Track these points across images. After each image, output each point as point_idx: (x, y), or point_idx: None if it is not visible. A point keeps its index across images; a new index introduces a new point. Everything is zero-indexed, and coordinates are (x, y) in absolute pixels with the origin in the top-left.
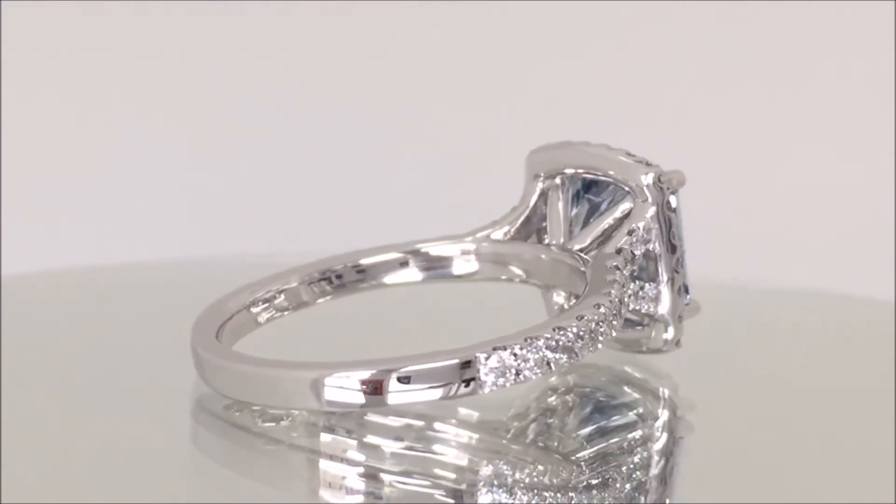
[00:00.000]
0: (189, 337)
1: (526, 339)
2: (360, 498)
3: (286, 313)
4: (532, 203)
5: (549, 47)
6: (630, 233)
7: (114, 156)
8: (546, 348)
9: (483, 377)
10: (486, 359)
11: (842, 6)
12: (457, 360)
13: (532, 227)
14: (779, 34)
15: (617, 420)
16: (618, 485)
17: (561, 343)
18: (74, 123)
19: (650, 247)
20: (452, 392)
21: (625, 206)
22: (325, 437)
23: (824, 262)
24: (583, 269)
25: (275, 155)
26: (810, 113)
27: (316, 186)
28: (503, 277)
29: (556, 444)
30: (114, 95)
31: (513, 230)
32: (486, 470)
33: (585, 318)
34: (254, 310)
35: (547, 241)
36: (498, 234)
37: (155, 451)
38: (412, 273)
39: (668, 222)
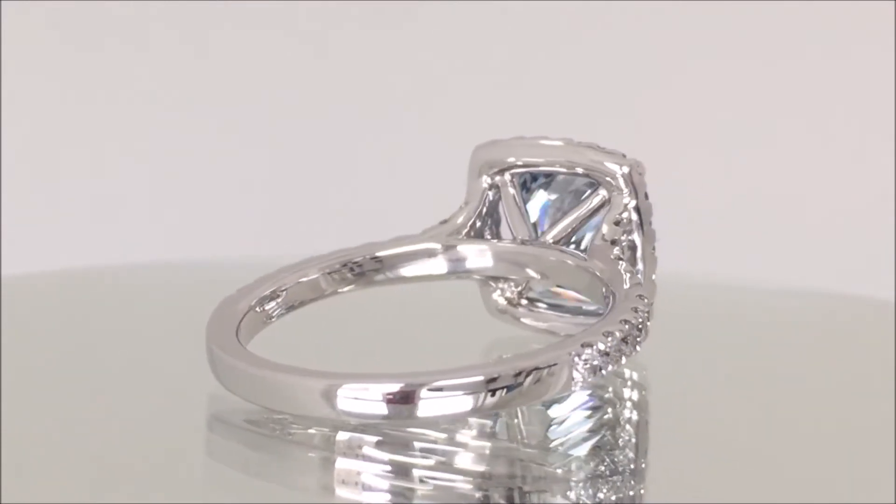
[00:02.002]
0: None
1: (604, 334)
2: (379, 495)
3: (303, 306)
4: (484, 199)
5: (527, 43)
6: (617, 223)
7: (113, 157)
8: (622, 341)
9: (576, 375)
10: (579, 357)
11: (843, 5)
12: (559, 358)
13: (485, 223)
14: (780, 32)
15: (590, 405)
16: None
17: (630, 336)
18: (74, 124)
19: (632, 236)
20: (551, 391)
21: (597, 197)
22: (342, 436)
23: (824, 262)
24: (587, 265)
25: (271, 157)
26: (811, 112)
27: (312, 189)
28: (513, 277)
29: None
30: (113, 97)
31: (468, 226)
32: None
33: (639, 309)
34: (271, 304)
35: (489, 236)
36: (453, 233)
37: (166, 454)
38: (430, 266)
39: (645, 211)
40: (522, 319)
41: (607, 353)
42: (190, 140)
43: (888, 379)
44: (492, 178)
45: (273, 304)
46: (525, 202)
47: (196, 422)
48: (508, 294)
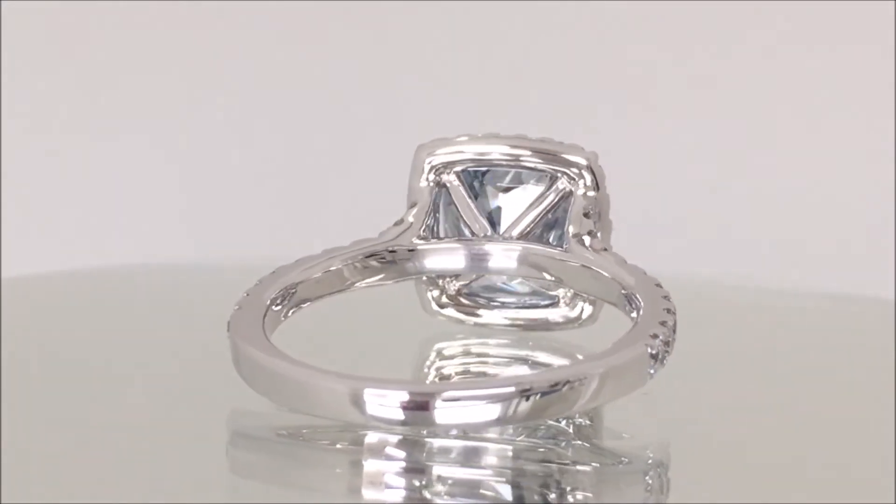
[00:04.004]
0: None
1: (661, 323)
2: (406, 495)
3: (327, 297)
4: (433, 198)
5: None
6: (587, 215)
7: (114, 157)
8: (671, 332)
9: (652, 370)
10: (652, 348)
11: (843, 5)
12: (638, 351)
13: (436, 222)
14: (778, 30)
15: None
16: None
17: (674, 325)
18: (74, 124)
19: (595, 227)
20: (633, 386)
21: (554, 190)
22: (370, 437)
23: (824, 262)
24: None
25: (268, 158)
26: (811, 111)
27: (306, 191)
28: (530, 279)
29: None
30: (113, 96)
31: (423, 227)
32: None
33: (669, 297)
34: (293, 295)
35: (440, 233)
36: (411, 234)
37: (186, 468)
38: (455, 261)
39: (604, 202)
40: (460, 316)
41: (667, 343)
42: (189, 141)
43: (888, 379)
44: (438, 177)
45: (295, 295)
46: (480, 198)
47: (215, 432)
48: (449, 291)
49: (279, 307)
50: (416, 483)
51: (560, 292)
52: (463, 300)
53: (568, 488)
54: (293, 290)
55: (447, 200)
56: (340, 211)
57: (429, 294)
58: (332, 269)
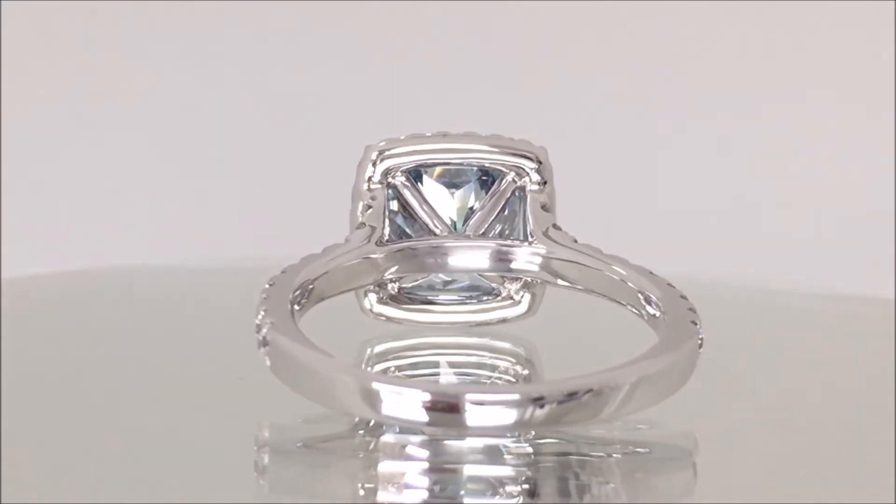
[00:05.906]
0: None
1: (690, 310)
2: (421, 495)
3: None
4: (387, 199)
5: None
6: (545, 208)
7: (111, 158)
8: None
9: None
10: (698, 335)
11: (842, 5)
12: (690, 340)
13: (394, 223)
14: (778, 30)
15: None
16: None
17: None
18: (74, 125)
19: None
20: (689, 373)
21: (504, 185)
22: (388, 438)
23: (824, 262)
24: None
25: (268, 158)
26: (811, 110)
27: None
28: (548, 283)
29: None
30: (113, 97)
31: (387, 230)
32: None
33: (672, 286)
34: (322, 283)
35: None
36: (375, 238)
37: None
38: (482, 258)
39: (553, 196)
40: (401, 315)
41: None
42: (189, 141)
43: (888, 379)
44: (392, 177)
45: (324, 283)
46: (436, 196)
47: (216, 432)
48: (390, 291)
49: (299, 308)
50: (435, 483)
51: (504, 287)
52: (402, 300)
53: (595, 481)
54: (311, 287)
55: (390, 199)
56: (339, 211)
57: (368, 296)
58: (355, 261)
